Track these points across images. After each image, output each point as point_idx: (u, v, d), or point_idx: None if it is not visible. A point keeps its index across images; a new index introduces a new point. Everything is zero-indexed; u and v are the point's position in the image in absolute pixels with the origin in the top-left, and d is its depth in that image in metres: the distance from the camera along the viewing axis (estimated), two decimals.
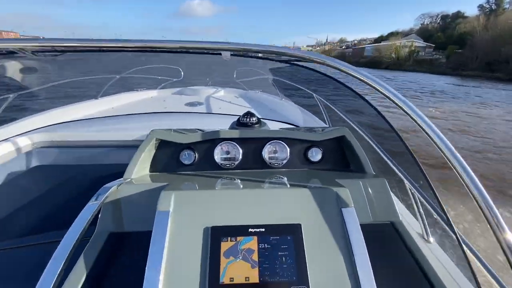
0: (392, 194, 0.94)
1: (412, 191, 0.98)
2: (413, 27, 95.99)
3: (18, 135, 1.47)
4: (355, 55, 78.18)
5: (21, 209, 1.27)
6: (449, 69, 40.88)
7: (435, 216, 0.94)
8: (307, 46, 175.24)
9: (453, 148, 0.56)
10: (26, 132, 1.53)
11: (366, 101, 1.15)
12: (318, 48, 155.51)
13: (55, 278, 0.51)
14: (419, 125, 0.59)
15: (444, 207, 0.86)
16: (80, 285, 0.57)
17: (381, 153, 1.21)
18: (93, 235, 0.68)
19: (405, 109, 0.60)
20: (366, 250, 0.59)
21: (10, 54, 0.93)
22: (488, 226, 0.50)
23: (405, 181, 1.02)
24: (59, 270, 0.52)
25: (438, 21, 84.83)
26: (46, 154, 1.49)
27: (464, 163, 0.54)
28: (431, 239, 0.95)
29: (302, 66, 1.44)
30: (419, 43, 50.70)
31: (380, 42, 76.81)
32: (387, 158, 1.15)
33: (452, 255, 0.91)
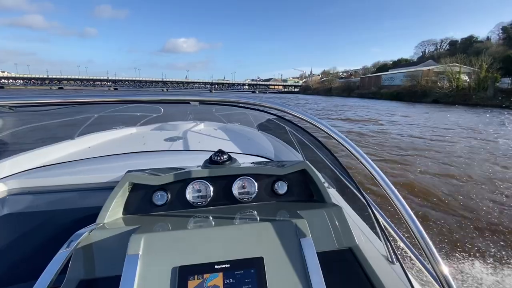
0: (357, 217, 1.22)
1: (376, 215, 0.98)
2: (413, 56, 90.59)
3: None
4: (366, 85, 68.05)
5: None
6: None
7: (397, 239, 1.05)
8: (293, 78, 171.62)
9: (384, 176, 0.66)
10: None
11: (318, 140, 1.22)
12: (304, 79, 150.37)
13: None
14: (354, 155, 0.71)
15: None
16: None
17: (345, 181, 1.37)
18: (63, 284, 0.66)
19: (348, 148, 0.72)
20: (322, 277, 0.63)
21: None
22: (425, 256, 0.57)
23: (368, 206, 1.04)
24: None
25: (446, 46, 79.07)
26: (17, 201, 1.40)
27: (396, 192, 0.63)
28: (395, 261, 0.94)
29: (261, 111, 1.44)
30: (466, 68, 40.66)
31: (384, 72, 68.37)
32: (351, 185, 1.29)
33: (421, 276, 1.01)
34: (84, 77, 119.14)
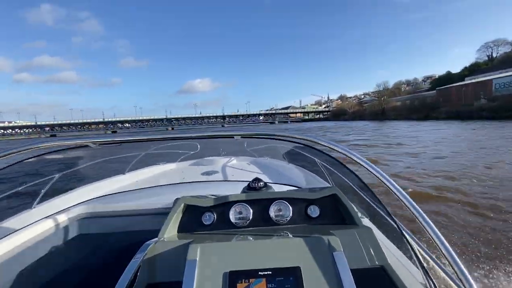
0: (388, 241, 1.28)
1: (407, 241, 1.05)
2: (477, 60, 68.97)
3: (61, 211, 1.69)
4: (455, 98, 44.97)
5: (68, 272, 1.43)
6: None
7: (434, 265, 1.08)
8: (311, 104, 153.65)
9: (418, 207, 0.72)
10: (69, 207, 1.76)
11: (346, 167, 1.34)
12: (325, 105, 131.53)
13: None
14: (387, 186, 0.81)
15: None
16: None
17: (376, 208, 1.42)
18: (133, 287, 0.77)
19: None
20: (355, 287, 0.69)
21: (82, 147, 1.13)
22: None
23: (401, 231, 1.10)
24: None
25: None
26: (86, 224, 1.69)
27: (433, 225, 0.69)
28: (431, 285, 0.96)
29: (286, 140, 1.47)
30: None
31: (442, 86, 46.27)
32: (382, 212, 1.31)
33: None
34: (90, 121, 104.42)
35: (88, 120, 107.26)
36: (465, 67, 65.48)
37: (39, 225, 1.47)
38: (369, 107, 72.89)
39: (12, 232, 1.37)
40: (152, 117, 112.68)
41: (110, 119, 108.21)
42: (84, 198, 1.91)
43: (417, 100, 56.33)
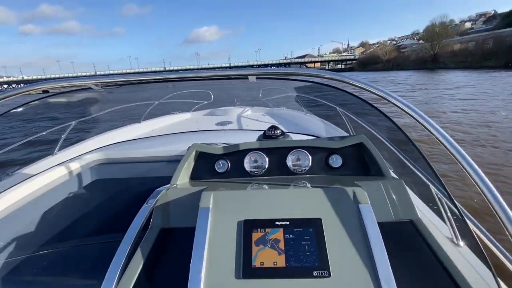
0: (414, 195, 1.14)
1: (439, 196, 0.99)
2: None
3: (80, 155, 1.77)
4: None
5: (86, 215, 1.48)
6: None
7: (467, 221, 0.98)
8: (329, 53, 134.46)
9: (463, 151, 0.59)
10: (86, 152, 1.82)
11: (381, 112, 1.15)
12: (345, 53, 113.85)
13: (119, 269, 0.60)
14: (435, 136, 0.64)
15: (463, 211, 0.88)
16: (138, 271, 0.67)
17: (404, 160, 1.28)
18: (148, 231, 0.78)
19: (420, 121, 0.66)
20: (383, 243, 0.63)
21: (86, 89, 1.12)
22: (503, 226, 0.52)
23: (430, 185, 1.05)
24: (122, 263, 0.61)
25: None
26: (102, 170, 1.73)
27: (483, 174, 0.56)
28: (461, 243, 0.91)
29: (316, 83, 1.41)
30: None
31: None
32: (411, 164, 1.22)
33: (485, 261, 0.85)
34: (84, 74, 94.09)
35: (81, 74, 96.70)
36: None
37: (56, 170, 1.52)
38: (413, 53, 56.94)
39: (31, 176, 1.42)
40: (148, 69, 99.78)
41: (103, 72, 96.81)
42: (103, 144, 1.99)
43: (492, 41, 40.71)
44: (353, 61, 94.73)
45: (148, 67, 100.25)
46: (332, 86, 1.08)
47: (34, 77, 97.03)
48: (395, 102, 0.70)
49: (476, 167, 0.58)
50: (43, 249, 1.21)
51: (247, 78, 0.86)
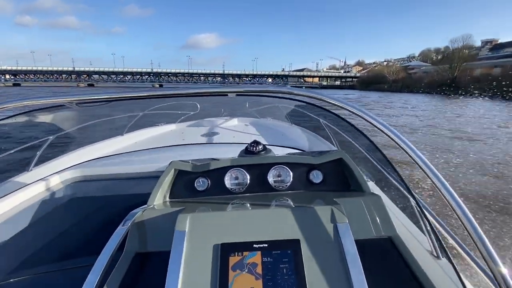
0: (396, 208, 1.19)
1: (417, 208, 0.98)
2: None
3: (55, 173, 1.67)
4: None
5: (59, 237, 1.39)
6: None
7: (443, 233, 1.00)
8: (327, 69, 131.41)
9: (429, 163, 0.61)
10: (64, 169, 1.72)
11: (355, 127, 1.20)
12: (343, 70, 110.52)
13: None
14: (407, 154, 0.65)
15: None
16: None
17: (385, 173, 1.29)
18: (122, 255, 0.75)
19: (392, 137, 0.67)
20: (360, 261, 0.62)
21: (58, 107, 1.08)
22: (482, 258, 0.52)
23: (410, 198, 1.04)
24: None
25: None
26: (79, 187, 1.65)
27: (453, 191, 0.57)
28: (441, 255, 0.92)
29: (294, 99, 1.47)
30: None
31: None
32: (391, 177, 1.23)
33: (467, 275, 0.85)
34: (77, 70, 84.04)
35: (57, 69, 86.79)
36: None
37: (30, 189, 1.46)
38: (427, 75, 51.96)
39: (7, 194, 1.37)
40: (135, 70, 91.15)
41: (83, 69, 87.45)
42: (82, 160, 1.88)
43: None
44: (353, 79, 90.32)
45: (134, 67, 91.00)
46: (309, 103, 1.03)
47: (24, 68, 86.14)
48: (367, 118, 0.71)
49: (436, 170, 0.60)
50: (9, 278, 1.09)
51: (227, 95, 0.87)
